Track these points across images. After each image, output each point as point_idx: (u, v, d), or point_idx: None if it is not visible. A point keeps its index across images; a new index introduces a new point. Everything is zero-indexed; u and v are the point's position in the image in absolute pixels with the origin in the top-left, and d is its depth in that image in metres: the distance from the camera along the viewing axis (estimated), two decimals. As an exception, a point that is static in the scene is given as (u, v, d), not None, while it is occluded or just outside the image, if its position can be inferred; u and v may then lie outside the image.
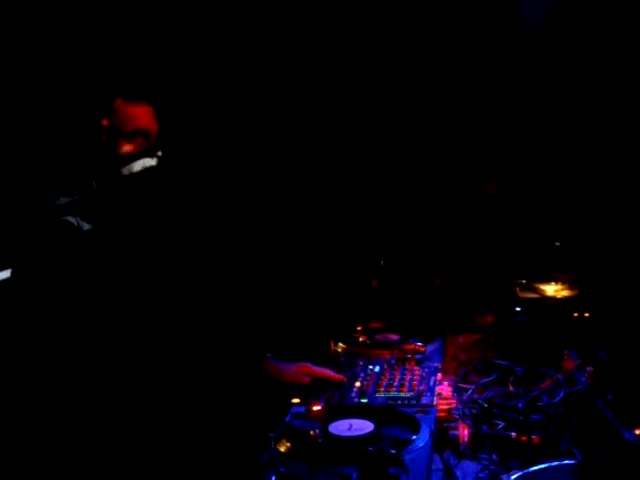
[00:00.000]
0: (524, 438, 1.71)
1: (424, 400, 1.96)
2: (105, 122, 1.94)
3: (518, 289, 2.77)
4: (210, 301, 2.20)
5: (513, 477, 1.52)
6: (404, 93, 3.50)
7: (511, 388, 2.03)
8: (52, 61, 2.56)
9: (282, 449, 1.69)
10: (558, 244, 3.02)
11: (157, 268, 2.02)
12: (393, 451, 1.54)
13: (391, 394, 2.03)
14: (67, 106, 2.13)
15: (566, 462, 1.58)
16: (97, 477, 1.76)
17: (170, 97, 2.31)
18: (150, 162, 1.97)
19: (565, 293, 2.70)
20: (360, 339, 2.56)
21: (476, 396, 1.97)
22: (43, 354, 1.79)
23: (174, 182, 2.14)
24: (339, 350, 2.49)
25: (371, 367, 2.27)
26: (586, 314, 2.46)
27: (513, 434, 1.73)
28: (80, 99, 2.01)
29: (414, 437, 1.69)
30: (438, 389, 2.03)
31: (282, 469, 1.53)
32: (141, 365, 1.86)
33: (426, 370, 2.21)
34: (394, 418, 1.84)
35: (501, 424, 1.80)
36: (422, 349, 2.36)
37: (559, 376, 1.99)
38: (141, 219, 2.01)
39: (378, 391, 2.06)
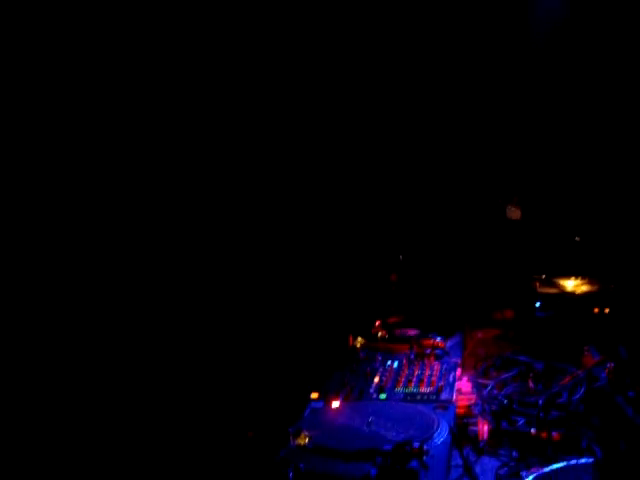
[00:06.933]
0: (544, 435, 1.71)
1: (443, 396, 1.95)
2: None
3: (538, 284, 2.75)
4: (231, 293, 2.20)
5: (532, 476, 1.52)
6: (424, 105, 3.51)
7: (531, 384, 2.03)
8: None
9: (301, 443, 1.69)
10: (578, 239, 3.00)
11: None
12: (417, 444, 1.52)
13: (410, 389, 2.03)
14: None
15: (586, 460, 1.58)
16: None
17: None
18: None
19: (585, 288, 2.68)
20: (379, 334, 2.56)
21: (496, 392, 1.97)
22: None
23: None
24: (358, 345, 2.50)
25: (390, 362, 2.27)
26: (606, 309, 2.45)
27: (533, 430, 1.73)
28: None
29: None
30: (458, 385, 2.02)
31: (301, 465, 1.54)
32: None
33: (445, 366, 2.20)
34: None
35: (521, 420, 1.81)
36: (441, 344, 2.35)
37: (579, 372, 1.98)
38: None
39: (397, 386, 2.06)
